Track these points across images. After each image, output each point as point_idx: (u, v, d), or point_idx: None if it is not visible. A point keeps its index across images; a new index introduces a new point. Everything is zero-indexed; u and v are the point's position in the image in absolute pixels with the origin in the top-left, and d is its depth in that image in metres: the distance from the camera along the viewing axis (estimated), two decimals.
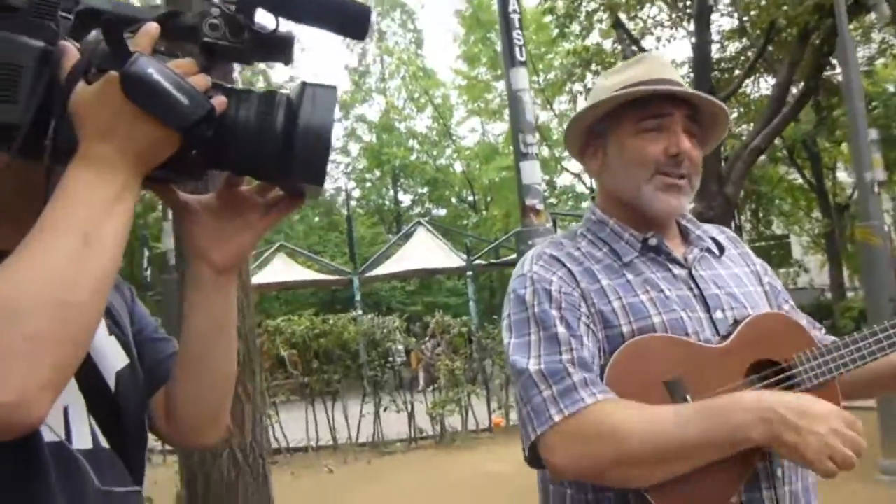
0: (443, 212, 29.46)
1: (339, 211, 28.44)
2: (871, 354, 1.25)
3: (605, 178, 1.38)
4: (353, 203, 27.73)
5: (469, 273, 16.44)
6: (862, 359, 1.24)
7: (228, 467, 3.40)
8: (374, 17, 28.86)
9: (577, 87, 15.11)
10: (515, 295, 1.29)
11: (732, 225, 19.04)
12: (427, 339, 13.04)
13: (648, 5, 11.25)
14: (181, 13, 0.79)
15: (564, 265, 1.29)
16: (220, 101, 0.75)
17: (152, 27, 0.75)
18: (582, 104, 1.52)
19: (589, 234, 1.37)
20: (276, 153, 0.78)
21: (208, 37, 0.77)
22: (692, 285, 1.30)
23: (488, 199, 27.01)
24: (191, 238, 0.91)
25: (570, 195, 26.97)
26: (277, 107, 0.79)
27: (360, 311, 13.78)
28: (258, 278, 16.47)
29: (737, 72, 11.83)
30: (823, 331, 1.45)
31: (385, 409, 9.35)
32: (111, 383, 0.92)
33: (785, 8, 8.06)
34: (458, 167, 28.78)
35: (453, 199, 29.72)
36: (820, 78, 8.20)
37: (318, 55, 60.33)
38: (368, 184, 29.85)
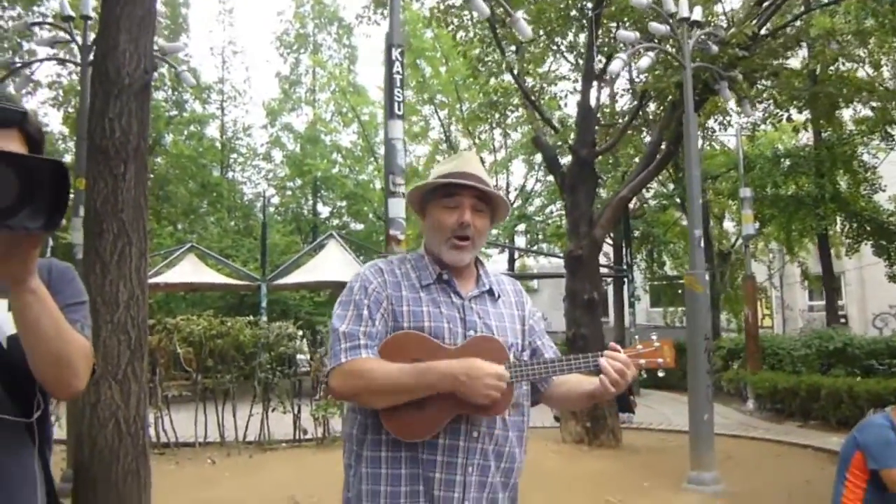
0: (360, 227, 29.80)
1: (257, 217, 28.46)
2: (553, 373, 1.95)
3: (426, 232, 2.05)
4: (270, 210, 27.82)
5: None
6: (548, 374, 1.94)
7: (113, 435, 4.05)
8: (309, 30, 29.32)
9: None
10: (349, 284, 1.96)
11: (623, 262, 20.50)
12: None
13: (549, 60, 12.37)
14: None
15: (384, 275, 1.95)
16: None
17: None
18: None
19: (412, 261, 2.03)
20: None
21: None
22: (462, 311, 1.94)
23: None
24: None
25: None
26: None
27: (264, 318, 14.15)
28: (165, 277, 16.52)
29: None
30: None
31: (273, 410, 9.86)
32: (3, 344, 1.37)
33: (655, 79, 9.24)
34: (378, 184, 29.28)
35: (371, 215, 30.13)
36: (680, 143, 9.38)
37: (250, 59, 60.14)
38: (289, 192, 29.92)
